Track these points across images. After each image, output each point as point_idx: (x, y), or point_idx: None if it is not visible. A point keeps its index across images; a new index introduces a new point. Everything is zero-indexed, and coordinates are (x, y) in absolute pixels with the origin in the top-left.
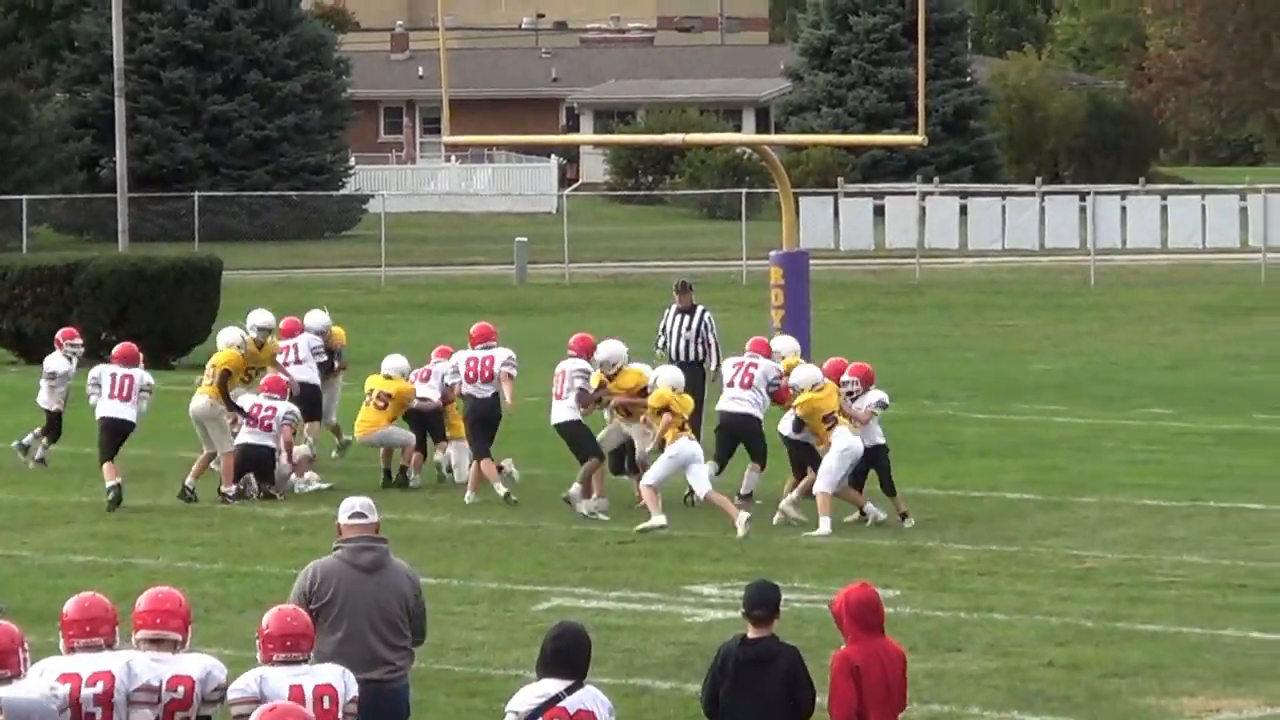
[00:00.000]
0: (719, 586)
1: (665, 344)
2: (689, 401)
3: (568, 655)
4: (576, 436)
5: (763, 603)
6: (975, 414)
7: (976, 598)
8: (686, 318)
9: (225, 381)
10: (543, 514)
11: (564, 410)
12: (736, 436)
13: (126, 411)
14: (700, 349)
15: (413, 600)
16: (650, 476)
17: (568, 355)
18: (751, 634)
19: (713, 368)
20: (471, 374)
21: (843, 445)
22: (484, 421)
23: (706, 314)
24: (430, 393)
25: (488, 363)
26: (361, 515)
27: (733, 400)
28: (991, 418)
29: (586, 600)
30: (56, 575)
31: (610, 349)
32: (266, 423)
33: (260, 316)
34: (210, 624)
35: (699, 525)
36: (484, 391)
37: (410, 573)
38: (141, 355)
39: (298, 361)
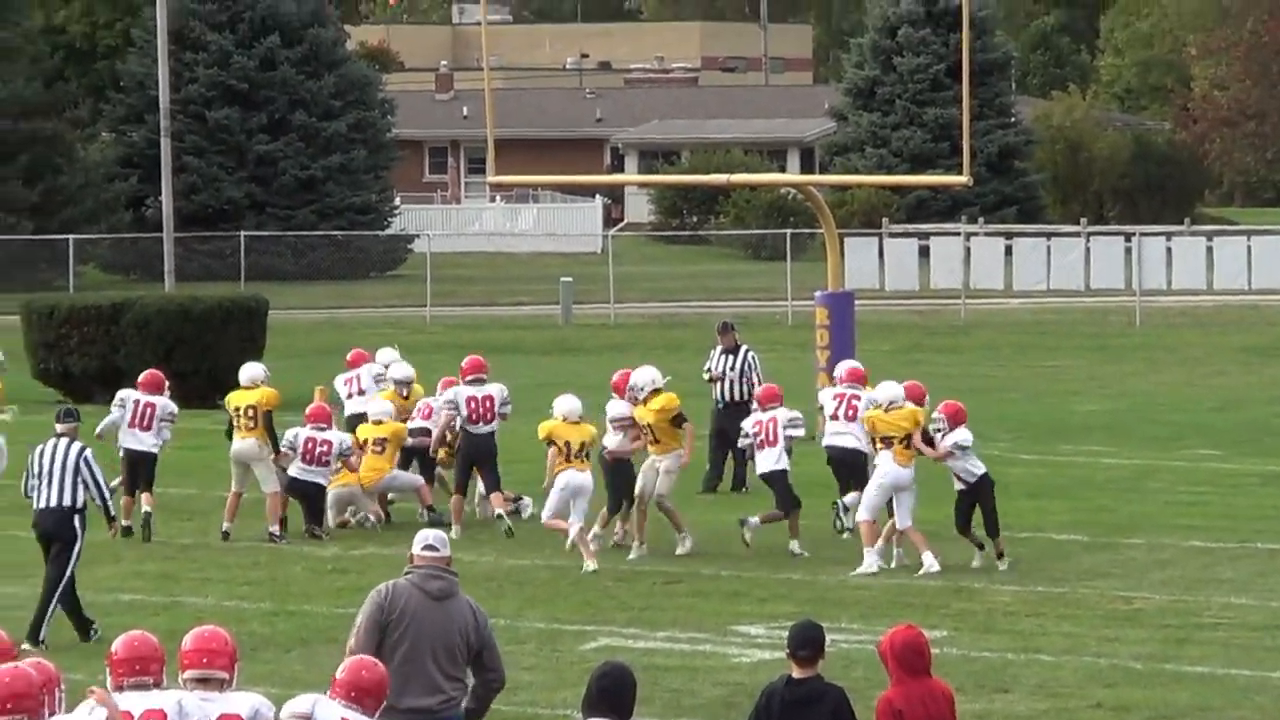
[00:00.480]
0: (766, 626)
1: (711, 378)
2: (585, 431)
3: (613, 695)
4: (781, 485)
5: (807, 643)
6: (1021, 455)
7: (1024, 639)
8: (731, 358)
9: (270, 421)
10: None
11: (772, 458)
12: (844, 470)
13: (146, 442)
14: (745, 388)
15: (474, 635)
16: (545, 511)
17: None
18: (797, 674)
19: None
20: (474, 415)
21: (880, 474)
22: (481, 457)
23: (750, 354)
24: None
25: (487, 403)
26: (434, 548)
27: (836, 435)
28: (1038, 458)
29: (634, 640)
30: (104, 614)
31: (644, 374)
32: (323, 459)
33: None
34: (258, 662)
35: (746, 565)
36: (480, 429)
37: (476, 608)
38: (167, 384)
39: (360, 393)
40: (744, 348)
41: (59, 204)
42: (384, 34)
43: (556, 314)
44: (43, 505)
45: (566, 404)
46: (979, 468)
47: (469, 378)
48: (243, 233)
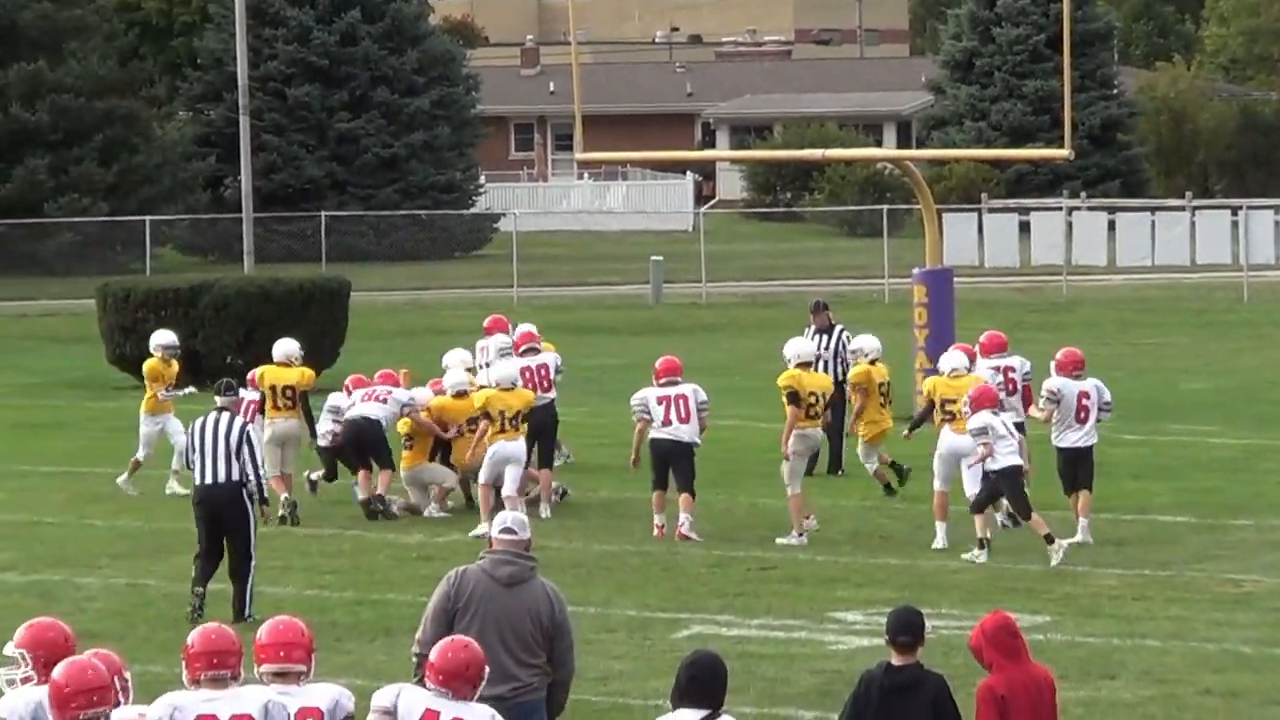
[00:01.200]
0: (864, 613)
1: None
2: (521, 397)
3: (703, 684)
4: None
5: (907, 628)
6: (1125, 435)
7: (1130, 624)
8: (824, 338)
9: (307, 402)
10: (682, 540)
11: None
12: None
13: (375, 411)
14: (840, 368)
15: (548, 621)
16: (481, 475)
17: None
18: (896, 661)
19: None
20: (530, 384)
21: (941, 444)
22: (540, 428)
23: (844, 333)
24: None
25: (542, 371)
26: (511, 531)
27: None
28: (1142, 439)
29: (727, 628)
30: (182, 605)
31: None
32: (381, 396)
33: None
34: (340, 653)
35: (842, 550)
36: (541, 400)
37: (554, 594)
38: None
39: (486, 365)
40: (838, 327)
41: (135, 184)
42: (468, 8)
43: (646, 294)
44: (208, 481)
45: (501, 371)
46: (1006, 459)
47: (523, 347)
48: (324, 213)
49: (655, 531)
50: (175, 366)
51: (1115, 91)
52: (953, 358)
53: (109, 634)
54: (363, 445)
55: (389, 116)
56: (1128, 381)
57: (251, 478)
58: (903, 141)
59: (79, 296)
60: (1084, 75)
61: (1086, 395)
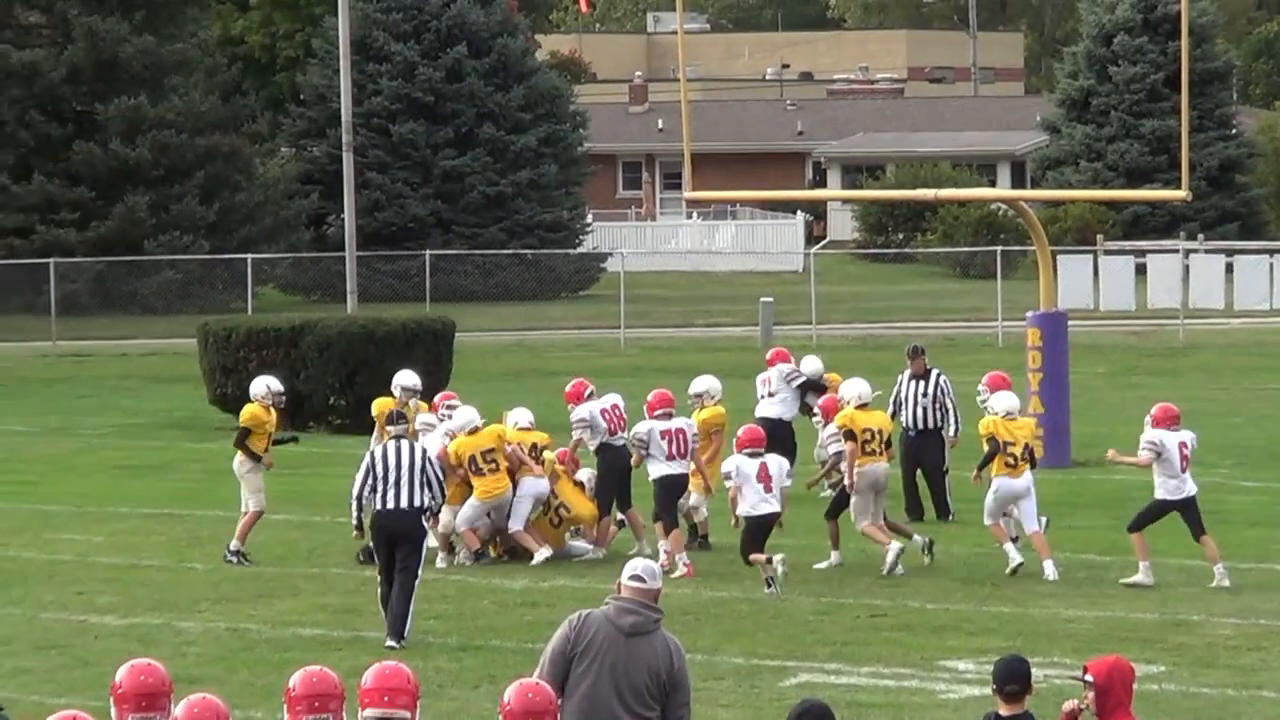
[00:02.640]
0: (975, 662)
1: (898, 413)
2: (535, 437)
3: None
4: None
5: (1013, 677)
6: (1244, 482)
7: (1245, 674)
8: (921, 383)
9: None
10: (791, 587)
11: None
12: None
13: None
14: (939, 414)
15: (666, 675)
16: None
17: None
18: (1004, 711)
19: (952, 433)
20: (612, 425)
21: (994, 485)
22: (622, 471)
23: (942, 378)
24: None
25: (617, 411)
26: (640, 579)
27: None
28: (1261, 485)
29: (836, 676)
30: (283, 649)
31: (707, 381)
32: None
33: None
34: (444, 699)
35: (954, 597)
36: (618, 440)
37: (676, 647)
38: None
39: (770, 395)
40: (935, 371)
41: (237, 222)
42: (575, 44)
43: (756, 335)
44: (390, 507)
45: (517, 414)
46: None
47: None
48: (428, 251)
49: (684, 571)
50: (273, 415)
51: (1234, 132)
52: (1006, 399)
53: (210, 679)
54: None
55: (495, 154)
56: (1246, 428)
57: (436, 500)
58: (1017, 182)
59: (180, 336)
60: (1202, 115)
61: (1185, 445)
